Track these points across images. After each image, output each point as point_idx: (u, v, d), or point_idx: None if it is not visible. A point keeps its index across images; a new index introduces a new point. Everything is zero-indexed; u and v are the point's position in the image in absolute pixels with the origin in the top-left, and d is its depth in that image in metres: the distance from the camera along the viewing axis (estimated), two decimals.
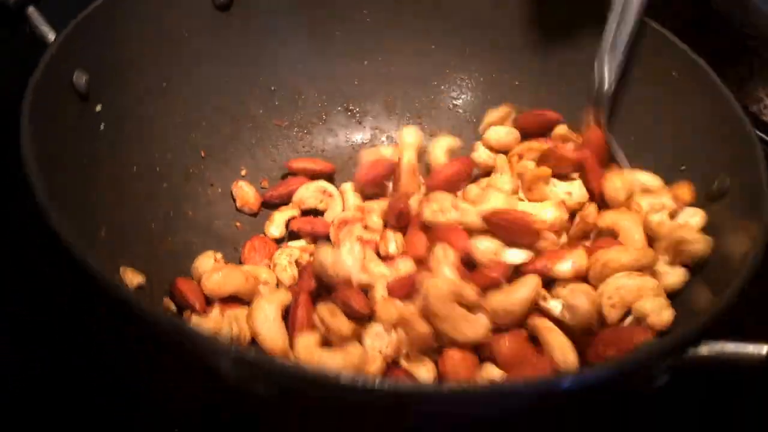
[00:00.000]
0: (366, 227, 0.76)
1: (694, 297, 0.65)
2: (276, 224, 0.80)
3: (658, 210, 0.70)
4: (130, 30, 0.74)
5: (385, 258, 0.72)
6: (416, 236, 0.72)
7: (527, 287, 0.65)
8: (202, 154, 0.82)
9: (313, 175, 0.84)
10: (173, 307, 0.69)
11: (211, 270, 0.70)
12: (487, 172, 0.82)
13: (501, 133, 0.83)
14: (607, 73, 0.77)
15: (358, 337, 0.65)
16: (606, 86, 0.78)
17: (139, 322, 0.54)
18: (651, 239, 0.70)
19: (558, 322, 0.65)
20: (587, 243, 0.72)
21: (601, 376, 0.51)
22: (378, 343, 0.64)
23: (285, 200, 0.82)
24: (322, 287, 0.69)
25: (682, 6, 1.02)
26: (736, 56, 0.99)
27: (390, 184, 0.81)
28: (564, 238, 0.72)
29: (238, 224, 0.82)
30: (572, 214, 0.74)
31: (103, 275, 0.55)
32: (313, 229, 0.79)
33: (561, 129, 0.82)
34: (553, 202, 0.73)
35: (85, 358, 0.72)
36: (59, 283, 0.75)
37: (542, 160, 0.76)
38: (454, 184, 0.77)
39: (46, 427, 0.69)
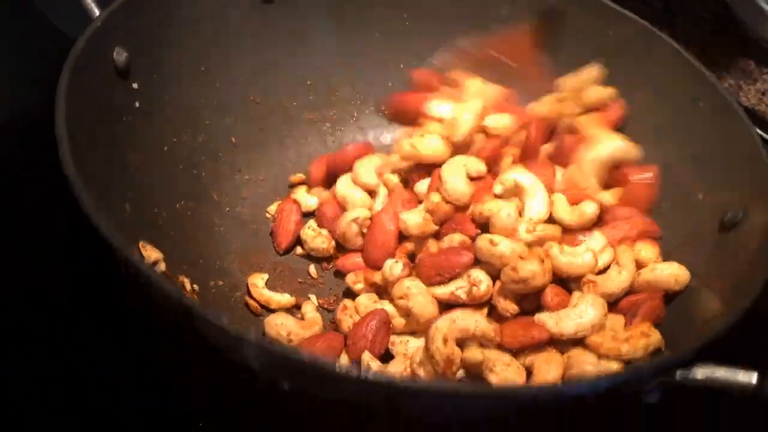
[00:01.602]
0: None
1: (693, 308, 0.66)
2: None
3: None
4: (173, 13, 0.75)
5: None
6: None
7: None
8: (233, 141, 0.83)
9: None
10: (189, 286, 0.70)
11: None
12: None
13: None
14: None
15: None
16: None
17: (150, 294, 0.55)
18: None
19: None
20: None
21: (588, 390, 0.52)
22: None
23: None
24: None
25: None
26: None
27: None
28: None
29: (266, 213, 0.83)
30: None
31: (122, 248, 0.56)
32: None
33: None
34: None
35: (85, 358, 0.72)
36: (59, 283, 0.76)
37: None
38: None
39: (46, 427, 0.68)
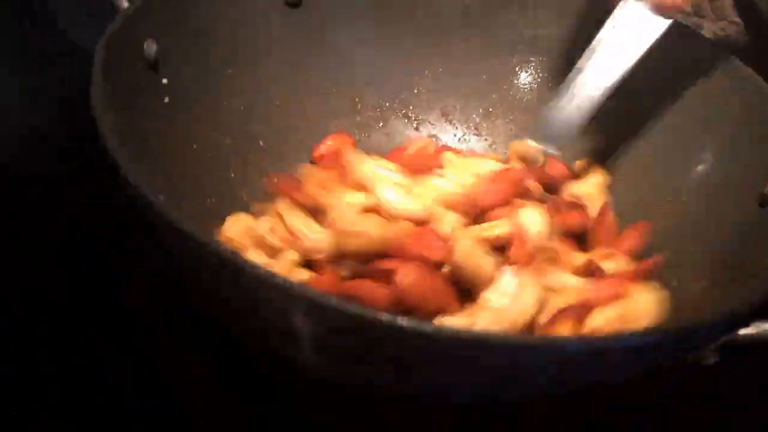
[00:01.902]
0: None
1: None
2: None
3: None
4: (203, 10, 0.76)
5: None
6: None
7: None
8: (261, 144, 0.83)
9: None
10: None
11: None
12: None
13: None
14: None
15: None
16: None
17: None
18: None
19: None
20: None
21: (649, 342, 0.49)
22: None
23: None
24: None
25: None
26: None
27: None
28: None
29: None
30: None
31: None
32: None
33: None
34: None
35: (85, 358, 0.71)
36: (59, 283, 0.76)
37: None
38: None
39: (46, 427, 0.68)
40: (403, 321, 0.42)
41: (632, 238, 0.76)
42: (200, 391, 0.70)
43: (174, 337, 0.72)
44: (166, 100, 0.72)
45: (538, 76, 0.91)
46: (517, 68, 0.91)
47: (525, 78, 0.91)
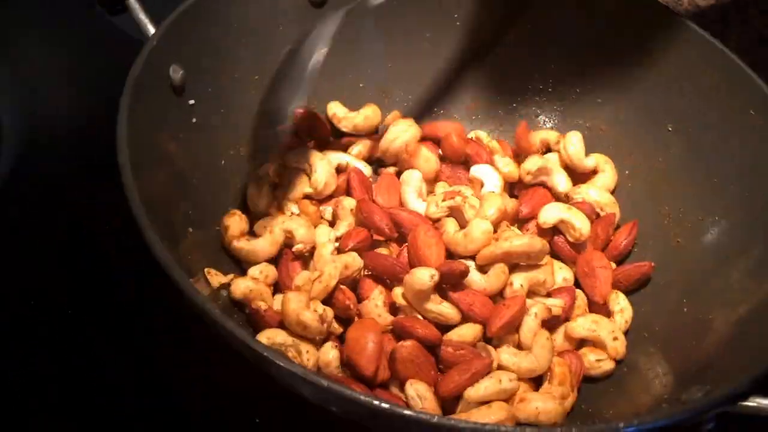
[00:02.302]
0: None
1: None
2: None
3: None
4: (226, 23, 0.75)
5: None
6: None
7: None
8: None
9: None
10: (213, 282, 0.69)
11: None
12: None
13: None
14: None
15: None
16: None
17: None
18: None
19: None
20: None
21: (652, 426, 0.54)
22: None
23: None
24: None
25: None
26: None
27: None
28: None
29: None
30: None
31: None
32: None
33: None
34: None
35: (85, 358, 0.72)
36: (59, 283, 0.76)
37: None
38: None
39: (46, 427, 0.69)
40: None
41: (621, 239, 0.78)
42: (200, 391, 0.71)
43: (174, 337, 0.72)
44: (194, 120, 0.71)
45: None
46: None
47: None
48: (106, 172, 0.60)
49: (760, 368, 0.58)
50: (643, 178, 0.82)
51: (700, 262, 0.74)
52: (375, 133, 0.85)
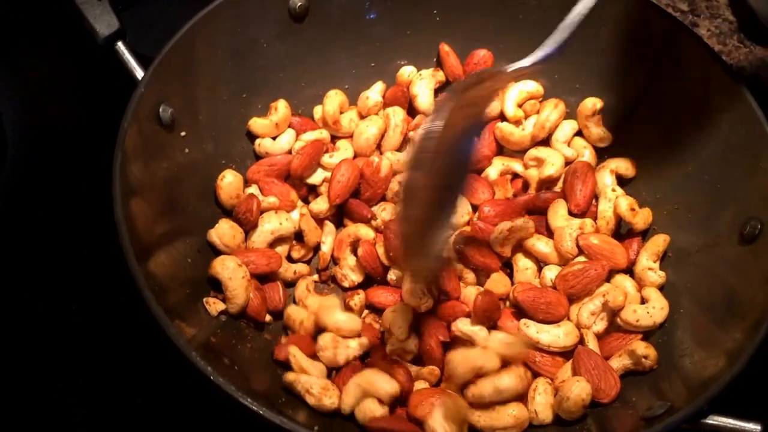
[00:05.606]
0: None
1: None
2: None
3: None
4: (211, 52, 0.74)
5: None
6: None
7: None
8: None
9: None
10: (212, 311, 0.70)
11: None
12: None
13: None
14: None
15: None
16: None
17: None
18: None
19: None
20: None
21: None
22: None
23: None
24: None
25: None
26: None
27: None
28: None
29: None
30: None
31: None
32: None
33: None
34: None
35: (85, 358, 0.73)
36: (60, 283, 0.77)
37: None
38: None
39: (46, 427, 0.70)
40: None
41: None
42: (199, 391, 0.73)
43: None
44: (187, 151, 0.72)
45: None
46: None
47: None
48: (105, 174, 0.62)
49: (718, 387, 0.59)
50: None
51: None
52: None
